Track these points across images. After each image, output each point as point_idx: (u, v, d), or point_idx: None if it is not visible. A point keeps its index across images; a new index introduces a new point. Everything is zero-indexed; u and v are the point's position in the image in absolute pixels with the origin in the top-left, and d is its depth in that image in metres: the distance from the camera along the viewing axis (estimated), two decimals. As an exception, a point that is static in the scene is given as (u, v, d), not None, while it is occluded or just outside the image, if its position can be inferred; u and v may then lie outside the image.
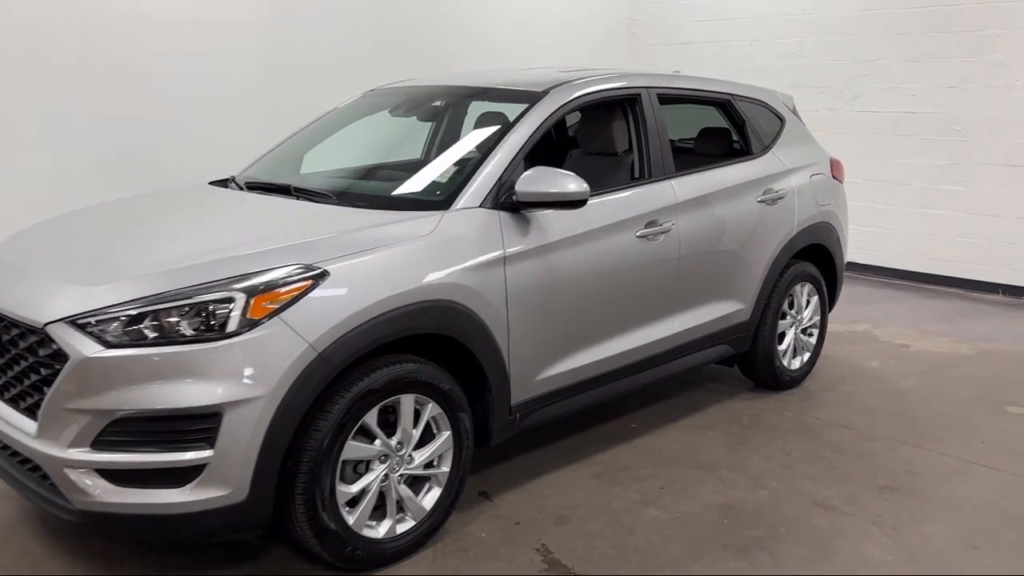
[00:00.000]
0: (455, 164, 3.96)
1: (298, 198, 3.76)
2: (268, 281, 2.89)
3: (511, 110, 4.00)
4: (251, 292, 2.85)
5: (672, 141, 4.67)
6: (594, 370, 3.98)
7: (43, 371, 2.89)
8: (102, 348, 2.77)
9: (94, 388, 2.76)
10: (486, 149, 3.77)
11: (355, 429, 3.08)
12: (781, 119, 5.23)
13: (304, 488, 2.96)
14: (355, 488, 3.13)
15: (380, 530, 3.23)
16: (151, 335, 2.80)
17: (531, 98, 3.98)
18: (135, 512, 2.83)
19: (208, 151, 6.21)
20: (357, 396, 3.04)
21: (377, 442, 3.17)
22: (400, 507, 3.29)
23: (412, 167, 4.17)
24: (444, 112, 4.85)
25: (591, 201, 3.68)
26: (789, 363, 5.15)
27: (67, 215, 3.96)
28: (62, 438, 2.81)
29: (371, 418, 3.12)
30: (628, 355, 4.13)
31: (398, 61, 7.50)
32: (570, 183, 3.52)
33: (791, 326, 5.15)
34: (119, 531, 3.14)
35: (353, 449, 3.09)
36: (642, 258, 4.10)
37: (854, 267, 8.07)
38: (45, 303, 2.94)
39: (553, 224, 3.69)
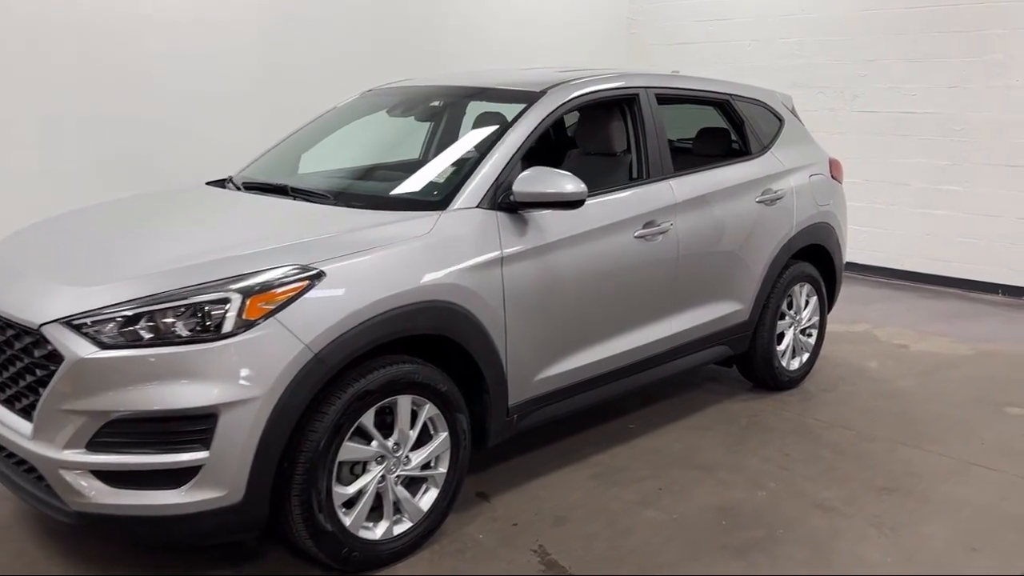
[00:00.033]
0: (453, 164, 3.94)
1: (295, 198, 3.76)
2: (264, 282, 2.89)
3: (509, 110, 3.99)
4: (247, 293, 2.84)
5: (671, 141, 4.67)
6: (592, 371, 3.97)
7: (38, 372, 2.88)
8: (97, 349, 2.76)
9: (89, 389, 2.76)
10: (484, 149, 3.76)
11: (352, 430, 3.07)
12: (780, 119, 5.22)
13: (300, 489, 2.95)
14: (352, 489, 3.12)
15: (377, 531, 3.22)
16: (147, 336, 2.79)
17: (529, 98, 3.97)
18: (130, 513, 2.83)
19: (208, 151, 6.20)
20: (354, 397, 3.03)
21: (374, 443, 3.16)
22: (397, 508, 3.28)
23: (409, 167, 4.17)
24: (442, 112, 4.84)
25: (589, 201, 3.67)
26: (788, 364, 5.14)
27: (64, 215, 3.95)
28: (57, 439, 2.80)
29: (368, 419, 3.11)
30: (626, 356, 4.12)
31: (398, 61, 7.49)
32: (567, 183, 3.51)
33: (790, 326, 5.14)
34: (114, 532, 3.13)
35: (350, 450, 3.08)
36: (640, 259, 4.09)
37: (853, 267, 8.06)
38: (41, 304, 2.93)
39: (551, 224, 3.68)
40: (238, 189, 4.11)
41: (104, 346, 2.77)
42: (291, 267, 2.95)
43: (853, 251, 7.39)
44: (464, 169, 3.70)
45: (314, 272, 2.96)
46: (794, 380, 5.19)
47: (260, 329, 2.82)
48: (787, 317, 5.10)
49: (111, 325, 2.80)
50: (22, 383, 2.95)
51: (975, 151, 7.47)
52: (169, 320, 2.80)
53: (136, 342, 2.78)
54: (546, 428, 4.14)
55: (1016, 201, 7.31)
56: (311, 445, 2.95)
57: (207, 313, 2.81)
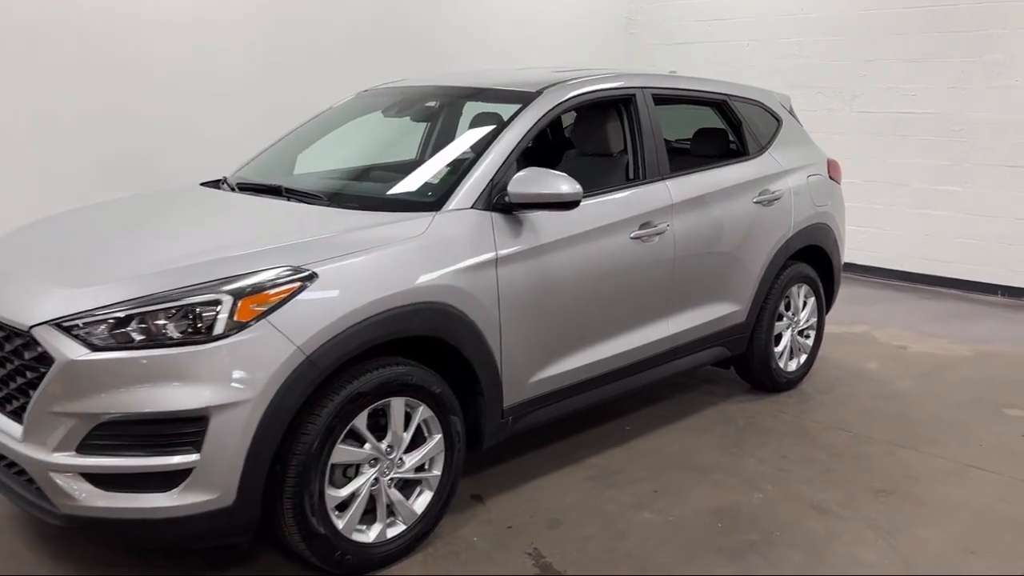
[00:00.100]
0: (448, 165, 3.92)
1: (289, 199, 3.74)
2: (255, 283, 2.87)
3: (505, 110, 3.97)
4: (238, 294, 2.82)
5: (668, 142, 4.65)
6: (588, 373, 3.95)
7: (29, 374, 2.86)
8: (88, 351, 2.74)
9: (79, 391, 2.74)
10: (479, 150, 3.74)
11: (344, 432, 3.05)
12: (778, 119, 5.20)
13: (292, 492, 2.94)
14: (345, 492, 3.10)
15: (370, 534, 3.20)
16: (137, 338, 2.77)
17: (524, 98, 3.95)
18: (121, 516, 2.80)
19: (208, 151, 6.19)
20: (346, 399, 3.01)
21: (367, 446, 3.14)
22: (391, 511, 3.26)
23: (404, 168, 4.16)
24: (438, 113, 4.83)
25: (585, 202, 3.65)
26: (786, 365, 5.12)
27: (56, 216, 3.93)
28: (48, 442, 2.78)
29: (361, 421, 3.10)
30: (622, 357, 4.10)
31: (398, 61, 7.48)
32: (563, 184, 3.49)
33: (788, 328, 5.13)
34: (105, 535, 3.11)
35: (342, 453, 3.06)
36: (636, 260, 4.07)
37: (852, 268, 8.04)
38: (31, 305, 2.91)
39: (546, 225, 3.66)
40: (232, 190, 4.09)
41: (95, 348, 2.75)
42: (283, 268, 2.93)
43: (852, 252, 7.38)
44: (459, 170, 3.68)
45: (306, 273, 2.95)
46: (792, 382, 5.18)
47: (251, 331, 2.80)
48: (785, 318, 5.08)
49: (102, 327, 2.78)
50: (12, 385, 2.93)
51: (974, 151, 7.45)
52: (160, 322, 2.79)
53: (127, 344, 2.76)
54: (541, 430, 4.12)
55: (1016, 202, 7.29)
56: (303, 447, 2.93)
57: (198, 315, 2.79)
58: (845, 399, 5.07)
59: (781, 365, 5.08)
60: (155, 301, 2.81)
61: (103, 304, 2.82)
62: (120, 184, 5.75)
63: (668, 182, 4.30)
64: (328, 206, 3.62)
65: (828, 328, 5.64)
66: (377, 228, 3.28)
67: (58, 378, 2.75)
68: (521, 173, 3.52)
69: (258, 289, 2.85)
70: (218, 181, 4.27)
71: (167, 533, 2.86)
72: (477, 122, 4.30)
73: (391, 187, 3.87)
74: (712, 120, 5.06)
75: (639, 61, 9.63)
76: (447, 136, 4.66)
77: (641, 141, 4.27)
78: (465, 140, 4.08)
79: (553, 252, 3.68)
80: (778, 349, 5.05)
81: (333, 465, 3.05)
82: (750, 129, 4.97)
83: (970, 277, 7.64)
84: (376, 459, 3.17)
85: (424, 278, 3.24)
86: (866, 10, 7.91)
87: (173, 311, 2.80)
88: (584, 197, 3.59)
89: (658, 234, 4.14)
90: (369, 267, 3.12)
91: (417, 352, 3.31)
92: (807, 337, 5.29)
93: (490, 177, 3.58)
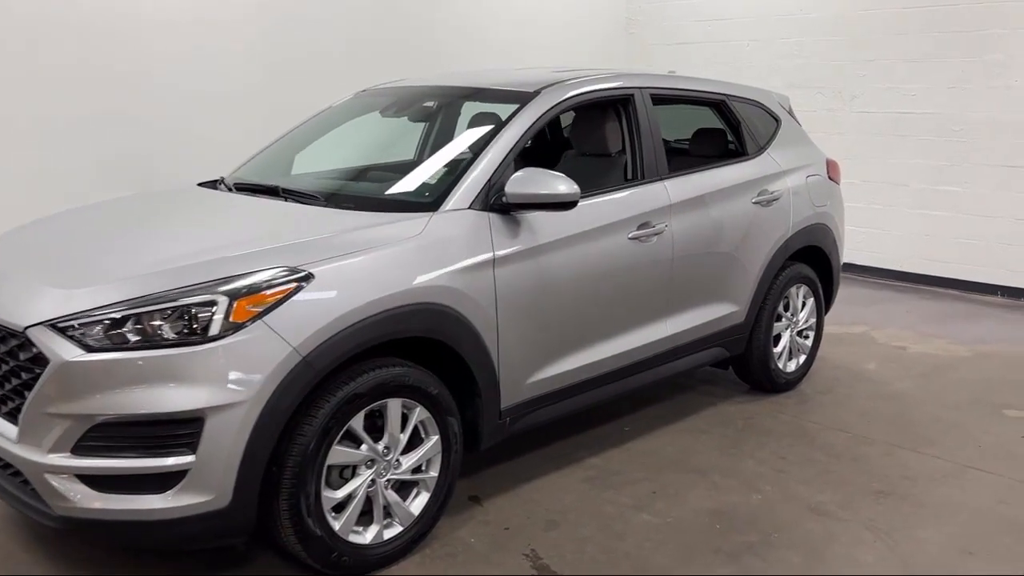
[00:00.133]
0: (445, 165, 3.92)
1: (286, 200, 3.73)
2: (251, 284, 2.86)
3: (503, 111, 3.97)
4: (234, 295, 2.82)
5: (668, 142, 4.64)
6: (586, 373, 3.94)
7: (24, 375, 2.85)
8: (83, 352, 2.74)
9: (74, 392, 2.73)
10: (476, 150, 3.73)
11: (341, 434, 3.04)
12: (776, 120, 5.19)
13: (289, 494, 2.93)
14: (341, 493, 3.09)
15: (367, 536, 3.20)
16: (133, 339, 2.76)
17: (522, 98, 3.94)
18: (116, 518, 2.80)
19: (208, 151, 6.17)
20: (343, 400, 3.00)
21: (364, 447, 3.13)
22: (387, 512, 3.25)
23: (402, 168, 4.15)
24: (436, 113, 4.82)
25: (583, 202, 3.64)
26: (784, 366, 5.11)
27: (52, 217, 3.93)
28: (43, 443, 2.78)
29: (357, 422, 3.09)
30: (620, 358, 4.09)
31: (398, 61, 7.47)
32: (560, 184, 3.48)
33: (786, 328, 5.12)
34: (100, 537, 3.10)
35: (339, 454, 3.05)
36: (634, 260, 4.06)
37: (852, 268, 8.02)
38: (27, 306, 2.90)
39: (544, 226, 3.65)
40: (230, 190, 4.09)
41: (90, 349, 2.74)
42: (279, 269, 2.92)
43: (851, 252, 7.35)
44: (456, 170, 3.68)
45: (302, 274, 2.94)
46: (791, 382, 5.16)
47: (247, 332, 2.80)
48: (784, 319, 5.07)
49: (97, 328, 2.77)
50: (8, 386, 2.92)
51: (974, 151, 7.44)
52: (156, 323, 2.78)
53: (122, 345, 2.75)
54: (539, 431, 4.11)
55: (1015, 202, 7.27)
56: (299, 449, 2.92)
57: (194, 316, 2.78)
58: (844, 400, 5.06)
59: (780, 366, 5.07)
60: (151, 302, 2.80)
61: (99, 305, 2.81)
62: (120, 184, 5.74)
63: (666, 182, 4.29)
64: (325, 206, 3.61)
65: (827, 328, 5.63)
66: (374, 228, 3.27)
67: (53, 379, 2.74)
68: (518, 173, 3.51)
69: (254, 290, 2.85)
70: (215, 181, 4.27)
71: (162, 535, 2.85)
72: (475, 122, 4.29)
73: (388, 187, 3.86)
74: (711, 120, 5.05)
75: (639, 61, 9.62)
76: (445, 136, 4.65)
77: (639, 141, 4.26)
78: (463, 140, 4.07)
79: (551, 252, 3.67)
80: (777, 350, 5.04)
81: (329, 466, 3.04)
82: (749, 129, 4.96)
83: (969, 277, 7.62)
84: (373, 460, 3.17)
85: (421, 279, 3.23)
86: (866, 10, 7.90)
87: (169, 312, 2.79)
88: (582, 197, 3.58)
89: (656, 234, 4.14)
90: (366, 268, 3.11)
91: (414, 353, 3.30)
92: (806, 338, 5.28)
93: (487, 177, 3.57)
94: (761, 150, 4.96)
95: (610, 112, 4.29)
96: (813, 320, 5.29)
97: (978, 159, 7.42)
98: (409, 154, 4.79)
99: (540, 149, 5.15)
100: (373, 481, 3.18)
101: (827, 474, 4.10)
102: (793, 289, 5.08)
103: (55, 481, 2.78)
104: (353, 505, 3.12)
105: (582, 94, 4.10)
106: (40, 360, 2.78)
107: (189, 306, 2.79)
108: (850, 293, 7.33)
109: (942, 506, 3.82)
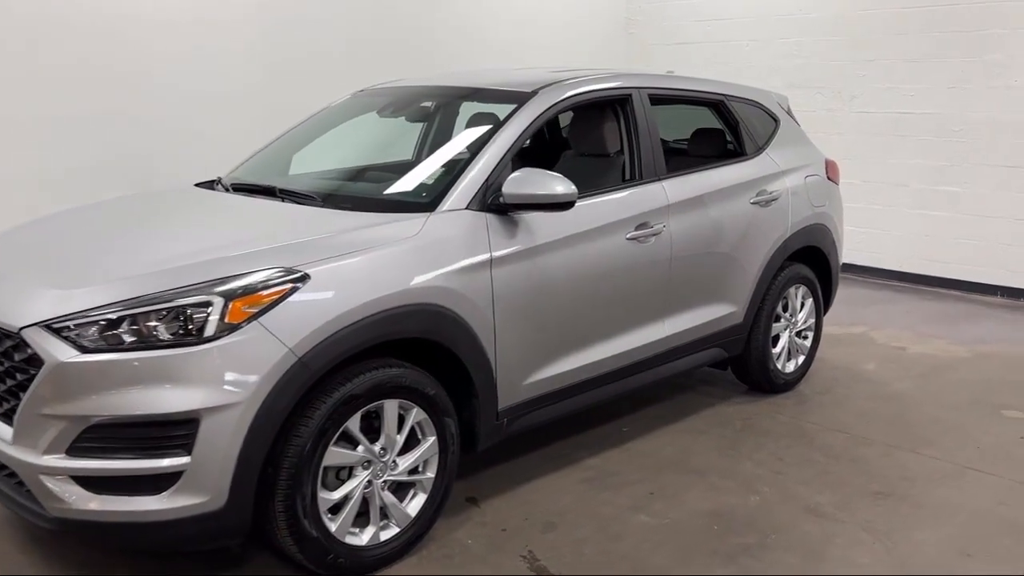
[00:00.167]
0: (442, 166, 3.91)
1: (283, 200, 3.72)
2: (247, 285, 2.85)
3: (501, 111, 3.95)
4: (229, 296, 2.81)
5: (666, 142, 4.63)
6: (583, 374, 3.93)
7: (19, 376, 2.84)
8: (78, 353, 2.73)
9: (69, 393, 2.72)
10: (474, 151, 3.72)
11: (337, 435, 3.03)
12: (775, 120, 5.19)
13: (284, 495, 2.92)
14: (337, 495, 3.08)
15: (363, 537, 3.19)
16: (128, 339, 2.76)
17: (519, 99, 3.93)
18: (111, 520, 2.79)
19: (208, 151, 6.15)
20: (339, 401, 2.99)
21: (360, 448, 3.12)
22: (384, 514, 3.24)
23: (399, 168, 4.15)
24: (434, 113, 4.81)
25: (580, 203, 3.64)
26: (783, 366, 5.10)
27: (49, 217, 3.93)
28: (38, 444, 2.77)
29: (354, 424, 3.08)
30: (618, 359, 4.08)
31: (398, 61, 7.46)
32: (557, 185, 3.48)
33: (785, 329, 5.11)
34: (95, 539, 3.09)
35: (335, 455, 3.04)
36: (632, 260, 4.05)
37: (851, 269, 8.01)
38: (22, 307, 2.89)
39: (541, 226, 3.64)
40: (227, 190, 4.08)
41: (85, 350, 2.73)
42: (274, 270, 2.92)
43: (851, 252, 7.34)
44: (453, 170, 3.67)
45: (298, 275, 2.93)
46: (789, 383, 5.15)
47: (243, 333, 2.79)
48: (782, 319, 5.07)
49: (93, 329, 2.77)
50: (3, 387, 2.91)
51: (974, 152, 7.42)
52: (151, 323, 2.77)
53: (117, 346, 2.75)
54: (537, 432, 4.10)
55: (1015, 202, 7.26)
56: (295, 450, 2.91)
57: (189, 316, 2.77)
58: (843, 400, 5.05)
59: (779, 366, 5.06)
60: (146, 302, 2.79)
61: (94, 305, 2.81)
62: (120, 184, 5.74)
63: (664, 183, 4.28)
64: (322, 207, 3.61)
65: (826, 329, 5.63)
66: (370, 229, 3.26)
67: (48, 380, 2.74)
68: (516, 174, 3.50)
69: (249, 291, 2.84)
70: (213, 182, 4.26)
71: (157, 536, 2.84)
72: (473, 122, 4.28)
73: (385, 188, 3.85)
74: (710, 120, 5.04)
75: (639, 61, 9.60)
76: (443, 136, 4.64)
77: (637, 141, 4.25)
78: (460, 140, 4.06)
79: (548, 253, 3.67)
80: (776, 350, 5.03)
81: (326, 468, 3.03)
82: (747, 129, 4.95)
83: (969, 278, 7.61)
84: (369, 461, 3.16)
85: (418, 279, 3.22)
86: (865, 10, 7.89)
87: (164, 312, 2.78)
88: (580, 198, 3.58)
89: (654, 235, 4.13)
90: (362, 268, 3.10)
91: (411, 354, 3.29)
92: (805, 338, 5.27)
93: (485, 178, 3.56)
94: (760, 150, 4.95)
95: (608, 112, 4.28)
96: (812, 321, 5.28)
97: (978, 159, 7.41)
98: (406, 154, 4.78)
99: (539, 149, 5.14)
100: (370, 482, 3.17)
101: (825, 475, 4.09)
102: (792, 289, 5.07)
103: (50, 482, 2.77)
104: (349, 506, 3.11)
105: (580, 94, 4.09)
106: (35, 361, 2.77)
107: (184, 307, 2.78)
108: (849, 293, 7.32)
109: (941, 507, 3.81)
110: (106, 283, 2.91)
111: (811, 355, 5.33)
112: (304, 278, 2.93)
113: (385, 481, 3.22)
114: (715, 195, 4.51)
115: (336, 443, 3.04)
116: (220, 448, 2.75)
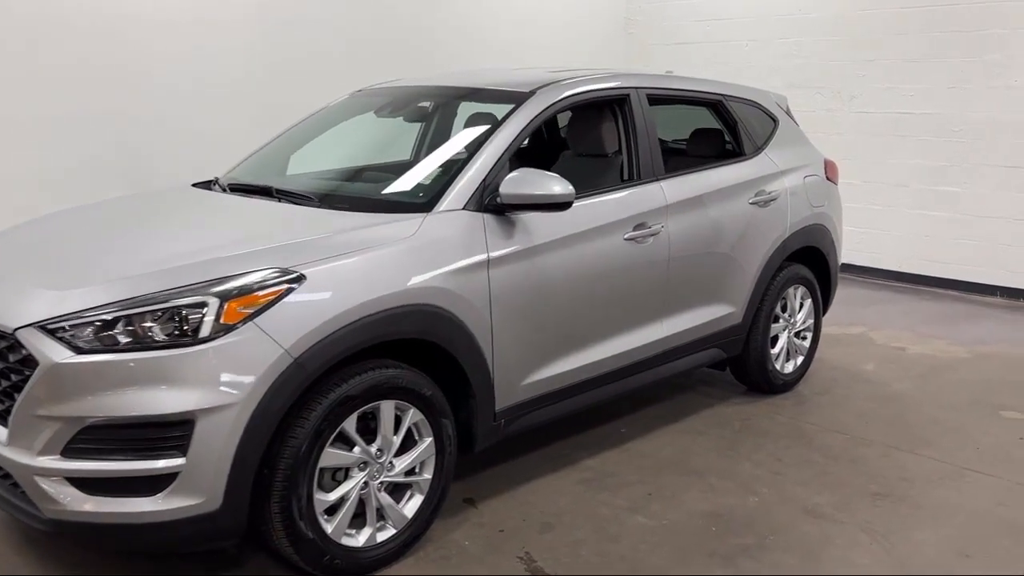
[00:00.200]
0: (440, 166, 3.90)
1: (280, 200, 3.71)
2: (242, 285, 2.84)
3: (499, 111, 3.94)
4: (225, 296, 2.80)
5: (664, 142, 4.61)
6: (581, 375, 3.92)
7: (14, 377, 2.83)
8: (72, 354, 2.72)
9: (64, 395, 2.71)
10: (471, 151, 3.71)
11: (333, 436, 3.02)
12: (774, 120, 5.17)
13: (280, 496, 2.91)
14: (333, 496, 3.07)
15: (360, 538, 3.18)
16: (123, 340, 2.74)
17: (517, 99, 3.92)
18: (106, 521, 2.78)
19: (208, 151, 6.15)
20: (335, 402, 2.98)
21: (356, 449, 3.11)
22: (380, 515, 3.23)
23: (396, 169, 4.14)
24: (432, 113, 4.80)
25: (578, 203, 3.63)
26: (782, 367, 5.09)
27: (44, 218, 3.92)
28: (32, 445, 2.76)
29: (350, 425, 3.07)
30: (616, 359, 4.07)
31: (398, 61, 7.46)
32: (555, 185, 3.46)
33: (784, 329, 5.09)
34: (90, 540, 3.07)
35: (331, 456, 3.03)
36: (630, 261, 4.04)
37: (851, 269, 8.00)
38: (17, 307, 2.88)
39: (539, 227, 3.63)
40: (224, 191, 4.07)
41: (79, 351, 2.72)
42: (270, 270, 2.91)
43: (850, 253, 7.33)
44: (451, 171, 3.66)
45: (294, 275, 2.92)
46: (788, 383, 5.14)
47: (238, 333, 2.78)
48: (781, 320, 5.05)
49: (88, 329, 2.76)
50: (-2, 388, 2.91)
51: (974, 152, 7.41)
52: (146, 324, 2.76)
53: (112, 347, 2.74)
54: (536, 432, 4.09)
55: (1015, 202, 7.25)
56: (291, 451, 2.90)
57: (184, 317, 2.76)
58: (842, 401, 5.04)
59: (777, 367, 5.05)
60: (141, 303, 2.78)
61: (89, 306, 2.80)
62: (120, 184, 5.75)
63: (663, 183, 4.27)
64: (319, 207, 3.59)
65: (825, 329, 5.62)
66: (367, 229, 3.25)
67: (42, 381, 2.73)
68: (513, 174, 3.49)
69: (245, 291, 2.83)
70: (210, 182, 4.25)
71: (152, 538, 2.83)
72: (472, 122, 4.28)
73: (382, 188, 3.84)
74: (708, 120, 5.03)
75: (638, 61, 9.60)
76: (441, 137, 4.63)
77: (635, 141, 4.24)
78: (458, 141, 4.05)
79: (546, 253, 3.66)
80: (774, 351, 5.02)
81: (322, 469, 3.02)
82: (746, 129, 4.94)
83: (969, 278, 7.60)
84: (366, 463, 3.15)
85: (414, 280, 3.21)
86: (865, 10, 7.88)
87: (159, 313, 2.77)
88: (577, 198, 3.57)
89: (652, 235, 4.12)
90: (358, 269, 3.09)
91: (407, 354, 3.28)
92: (804, 339, 5.26)
93: (482, 178, 3.55)
94: (758, 150, 4.94)
95: (606, 112, 4.27)
96: (811, 321, 5.27)
97: (978, 159, 7.40)
98: (404, 154, 4.77)
99: (538, 149, 5.13)
100: (366, 483, 3.16)
101: (824, 476, 4.08)
102: (791, 290, 5.05)
103: (45, 484, 2.76)
104: (346, 508, 3.10)
105: (577, 94, 4.08)
106: (30, 362, 2.76)
107: (180, 307, 2.77)
108: (849, 294, 7.31)
109: (939, 508, 3.80)
110: (101, 283, 2.90)
111: (810, 355, 5.32)
112: (300, 279, 2.92)
113: (382, 482, 3.21)
114: (713, 195, 4.50)
115: (332, 444, 3.02)
116: (216, 449, 2.74)
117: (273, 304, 2.85)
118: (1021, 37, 7.06)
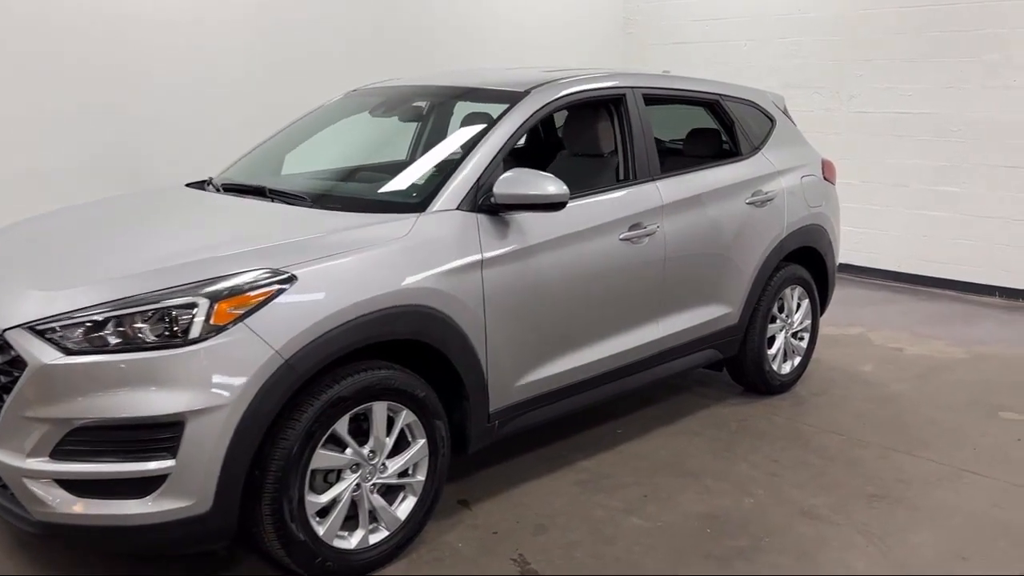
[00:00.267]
0: (433, 166, 3.87)
1: (273, 200, 3.69)
2: (233, 286, 2.82)
3: (494, 110, 3.92)
4: (215, 297, 2.78)
5: (661, 142, 4.59)
6: (576, 376, 3.90)
7: (3, 378, 2.81)
8: (61, 355, 2.70)
9: (53, 396, 2.70)
10: (465, 150, 3.69)
11: (325, 437, 3.00)
12: (771, 120, 5.15)
13: (271, 498, 2.89)
14: (325, 498, 3.05)
15: (352, 541, 3.15)
16: (113, 341, 2.73)
17: (512, 98, 3.90)
18: (95, 523, 2.76)
19: (208, 151, 6.11)
20: (327, 404, 2.97)
21: (348, 451, 3.09)
22: (373, 517, 3.21)
23: (390, 169, 4.12)
24: (428, 113, 4.78)
25: (573, 203, 3.61)
26: (779, 367, 5.06)
27: (36, 218, 3.90)
28: (21, 447, 2.74)
29: (342, 426, 3.05)
30: (611, 360, 4.05)
31: (398, 61, 7.44)
32: (549, 185, 3.44)
33: (781, 330, 5.07)
34: (80, 542, 3.06)
35: (323, 458, 3.01)
36: (626, 261, 4.02)
37: (849, 269, 7.98)
38: (6, 308, 2.87)
39: (533, 227, 3.61)
40: (217, 191, 4.05)
41: (69, 352, 2.71)
42: (261, 271, 2.89)
43: (848, 253, 7.32)
44: (444, 171, 3.64)
45: (285, 276, 2.90)
46: (785, 384, 5.12)
47: (228, 335, 2.76)
48: (778, 320, 5.03)
49: (78, 331, 2.74)
50: (-14, 389, 2.89)
51: (972, 152, 7.39)
52: (136, 325, 2.74)
53: (101, 348, 2.72)
54: (530, 433, 4.07)
55: (1014, 202, 7.22)
56: (282, 453, 2.88)
57: (174, 318, 2.75)
58: (839, 402, 5.02)
59: (774, 367, 5.02)
60: (131, 304, 2.77)
61: (79, 307, 2.78)
62: (120, 184, 5.72)
63: (658, 183, 4.25)
64: (311, 207, 3.58)
65: (823, 330, 5.60)
66: (359, 229, 3.24)
67: (31, 382, 2.71)
68: (507, 174, 3.47)
69: (235, 292, 2.81)
70: (203, 182, 4.23)
71: (142, 540, 2.81)
72: (467, 122, 4.25)
73: (375, 188, 3.83)
74: (705, 120, 5.01)
75: (637, 61, 9.58)
76: (437, 136, 4.59)
77: (631, 141, 4.22)
78: (452, 140, 4.04)
79: (540, 254, 3.64)
80: (771, 351, 5.00)
81: (313, 471, 3.00)
82: (743, 129, 4.92)
83: (967, 278, 7.58)
84: (358, 464, 3.13)
85: (407, 280, 3.19)
86: (864, 10, 7.86)
87: (149, 314, 2.75)
88: (572, 198, 3.55)
89: (648, 235, 4.09)
90: (350, 269, 3.07)
91: (400, 355, 3.26)
92: (801, 339, 5.24)
93: (476, 178, 3.53)
94: (755, 150, 4.92)
95: (602, 112, 4.25)
96: (808, 322, 5.25)
97: (976, 159, 7.37)
98: (399, 154, 4.75)
99: (533, 149, 5.12)
100: (358, 485, 3.14)
101: (821, 477, 4.06)
102: (788, 290, 5.03)
103: (34, 486, 2.74)
104: (338, 510, 3.09)
105: (573, 94, 4.06)
106: (19, 363, 2.74)
107: (169, 308, 2.75)
108: (846, 294, 7.28)
109: (937, 510, 3.78)
110: (92, 284, 2.88)
111: (807, 356, 5.30)
112: (291, 279, 2.90)
113: (374, 484, 3.19)
114: (710, 195, 4.48)
115: (324, 446, 3.01)
116: (206, 451, 2.72)
117: (264, 305, 2.83)
118: (1020, 37, 7.04)
